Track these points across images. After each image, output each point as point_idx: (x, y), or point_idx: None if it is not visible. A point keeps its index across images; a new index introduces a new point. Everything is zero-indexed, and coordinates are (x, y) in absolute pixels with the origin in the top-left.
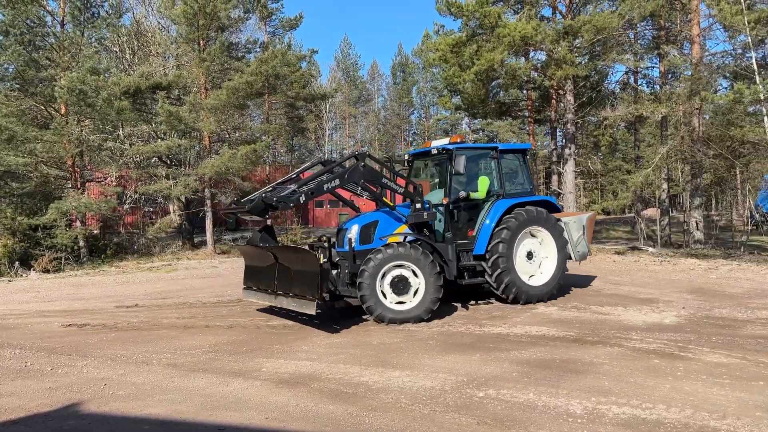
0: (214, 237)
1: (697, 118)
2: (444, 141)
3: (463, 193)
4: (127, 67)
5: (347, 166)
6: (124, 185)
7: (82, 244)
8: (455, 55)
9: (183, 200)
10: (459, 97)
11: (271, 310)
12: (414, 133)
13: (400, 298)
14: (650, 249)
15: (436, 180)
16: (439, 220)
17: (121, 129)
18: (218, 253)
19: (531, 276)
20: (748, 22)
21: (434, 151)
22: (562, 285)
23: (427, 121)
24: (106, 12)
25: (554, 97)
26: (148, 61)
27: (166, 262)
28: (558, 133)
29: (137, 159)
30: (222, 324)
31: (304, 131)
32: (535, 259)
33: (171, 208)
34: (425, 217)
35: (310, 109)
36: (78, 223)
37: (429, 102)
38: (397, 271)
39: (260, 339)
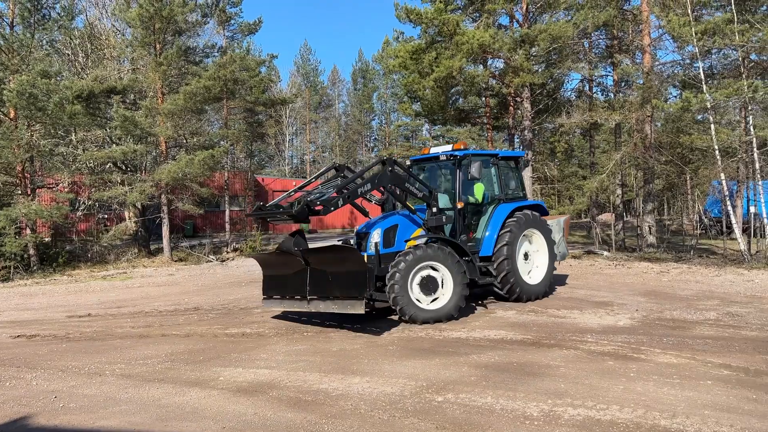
0: (170, 244)
1: (648, 126)
2: (445, 148)
3: (472, 198)
4: (80, 70)
5: (364, 171)
6: (77, 191)
7: (32, 252)
8: (415, 62)
9: (139, 207)
10: (419, 103)
11: (227, 320)
12: (375, 139)
13: (429, 298)
14: (605, 253)
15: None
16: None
17: (73, 134)
18: (175, 261)
19: (526, 275)
20: (695, 34)
21: (443, 157)
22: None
23: (388, 127)
24: (58, 14)
25: (512, 104)
26: (102, 64)
27: (120, 270)
28: (516, 140)
29: (91, 165)
30: (178, 333)
31: (264, 137)
32: (530, 259)
33: (126, 214)
34: (444, 220)
35: (269, 114)
36: (28, 231)
37: (390, 108)
38: (425, 272)
39: (218, 347)
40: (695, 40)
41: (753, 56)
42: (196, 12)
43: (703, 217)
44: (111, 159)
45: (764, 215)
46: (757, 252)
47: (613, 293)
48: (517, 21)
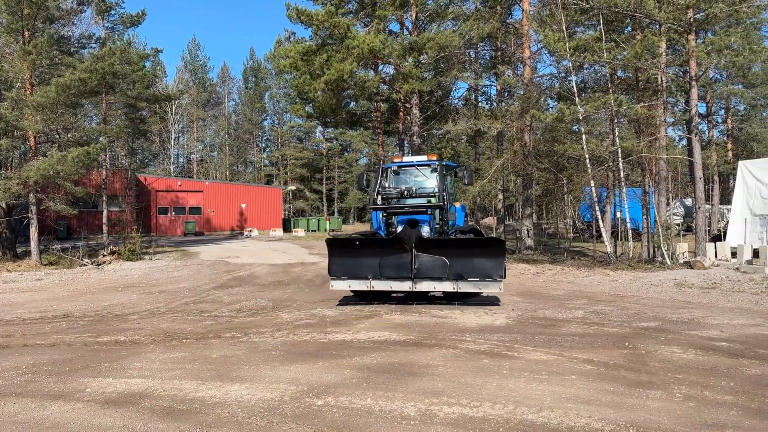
0: (40, 247)
1: (528, 134)
2: (421, 158)
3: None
4: None
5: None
6: None
7: None
8: (306, 63)
9: (3, 206)
10: (311, 105)
11: (100, 327)
12: (267, 139)
13: None
14: None
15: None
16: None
17: None
18: (45, 265)
19: None
20: (569, 49)
21: (434, 165)
22: None
23: (281, 128)
24: None
25: (402, 110)
26: None
27: None
28: (405, 145)
29: None
30: (43, 342)
31: (147, 134)
32: None
33: None
34: (455, 217)
35: (154, 110)
36: None
37: (282, 108)
38: None
39: (87, 357)
40: (569, 55)
41: (619, 73)
42: None
43: (577, 222)
44: None
45: (628, 220)
46: (621, 254)
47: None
48: (407, 28)
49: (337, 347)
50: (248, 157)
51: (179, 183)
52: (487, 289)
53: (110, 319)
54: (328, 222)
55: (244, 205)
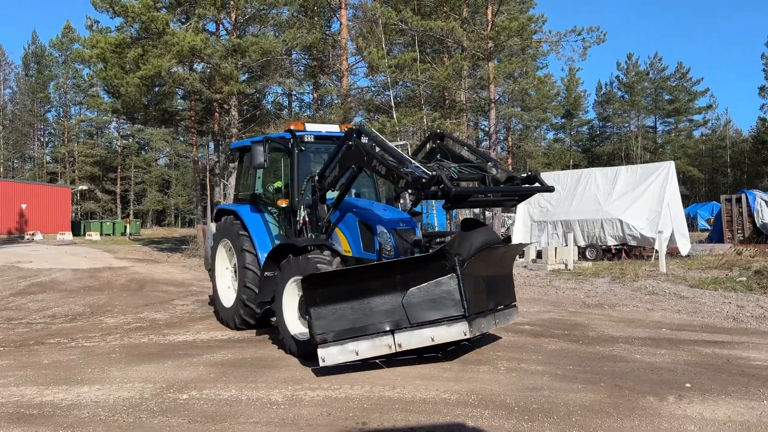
0: None
1: None
2: (330, 127)
3: None
4: None
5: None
6: None
7: None
8: (118, 56)
9: None
10: (120, 100)
11: None
12: (51, 133)
13: None
14: None
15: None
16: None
17: None
18: None
19: None
20: (390, 66)
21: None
22: None
23: (68, 121)
24: None
25: (217, 110)
26: None
27: None
28: (220, 147)
29: None
30: None
31: None
32: None
33: None
34: None
35: None
36: None
37: (70, 100)
38: None
39: None
40: (389, 72)
41: (428, 90)
42: None
43: None
44: None
45: (436, 224)
46: None
47: None
48: (226, 29)
49: (182, 347)
50: (28, 152)
51: None
52: (511, 318)
53: None
54: (127, 225)
55: (24, 206)
